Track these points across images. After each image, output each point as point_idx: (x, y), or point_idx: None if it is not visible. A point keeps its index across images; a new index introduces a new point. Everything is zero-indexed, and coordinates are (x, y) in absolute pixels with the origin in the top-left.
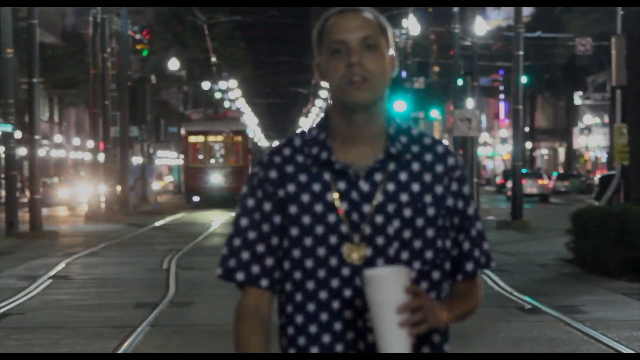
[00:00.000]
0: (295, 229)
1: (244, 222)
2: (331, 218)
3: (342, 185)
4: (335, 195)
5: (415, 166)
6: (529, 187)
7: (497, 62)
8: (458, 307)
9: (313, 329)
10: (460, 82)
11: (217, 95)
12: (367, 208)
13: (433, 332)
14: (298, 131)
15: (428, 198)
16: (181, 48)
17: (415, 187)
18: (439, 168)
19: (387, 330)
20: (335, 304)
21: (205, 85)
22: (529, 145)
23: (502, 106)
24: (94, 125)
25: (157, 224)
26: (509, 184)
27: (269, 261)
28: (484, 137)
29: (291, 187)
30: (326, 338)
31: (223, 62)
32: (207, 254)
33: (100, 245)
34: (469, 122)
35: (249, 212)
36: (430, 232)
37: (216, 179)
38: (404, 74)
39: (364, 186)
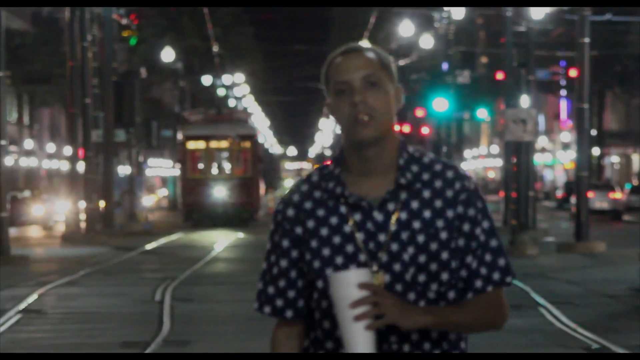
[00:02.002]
0: (317, 262)
1: (272, 257)
2: (349, 248)
3: (357, 216)
4: (352, 226)
5: (426, 193)
6: (597, 202)
7: (558, 52)
8: (446, 313)
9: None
10: (513, 75)
11: (221, 92)
12: (382, 237)
13: (415, 332)
14: (318, 167)
15: (440, 223)
16: (177, 35)
17: (427, 213)
18: (449, 193)
19: (345, 325)
20: None
21: (206, 80)
22: (596, 151)
23: (563, 105)
24: (71, 129)
25: (149, 247)
26: (572, 199)
27: (291, 293)
28: (541, 141)
29: (310, 223)
30: None
31: (227, 53)
32: (208, 283)
33: (79, 273)
34: (523, 124)
35: (274, 248)
36: (444, 255)
37: (220, 192)
38: (445, 66)
39: (378, 216)
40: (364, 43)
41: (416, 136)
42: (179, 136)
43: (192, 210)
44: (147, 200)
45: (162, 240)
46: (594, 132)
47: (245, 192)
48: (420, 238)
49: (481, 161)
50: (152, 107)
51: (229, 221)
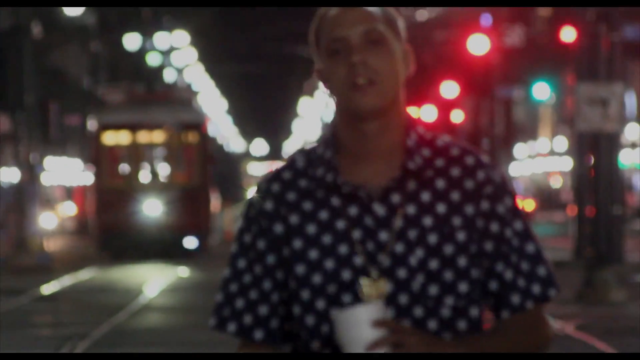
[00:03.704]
0: (301, 267)
1: (240, 263)
2: (342, 249)
3: (353, 210)
4: (347, 222)
5: (440, 183)
6: None
7: None
8: (480, 343)
9: None
10: (588, 34)
11: (153, 59)
12: (384, 235)
13: None
14: (302, 149)
15: (457, 220)
16: None
17: (441, 208)
18: (469, 184)
19: None
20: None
21: (131, 41)
22: None
23: None
24: None
25: (46, 289)
26: None
27: (263, 309)
28: (631, 132)
29: (294, 219)
30: None
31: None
32: (135, 344)
33: None
34: (603, 107)
35: (245, 251)
36: (462, 261)
37: (152, 209)
38: (486, 21)
39: (379, 210)
40: None
41: (444, 124)
42: (92, 124)
43: (110, 235)
44: (44, 220)
45: (65, 280)
46: None
47: (190, 208)
48: (432, 238)
49: (541, 162)
50: (51, 81)
51: (166, 251)
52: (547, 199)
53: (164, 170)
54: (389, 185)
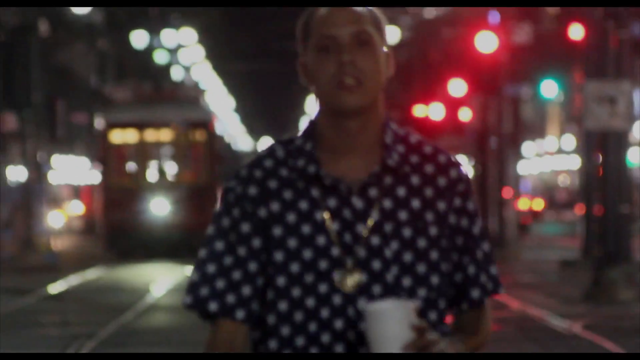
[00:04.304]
0: (280, 254)
1: (218, 245)
2: (320, 240)
3: (332, 202)
4: (326, 214)
5: (415, 180)
6: None
7: None
8: (468, 344)
9: None
10: (597, 32)
11: (160, 57)
12: (361, 228)
13: None
14: (280, 140)
15: (430, 216)
16: None
17: (416, 203)
18: (442, 181)
19: None
20: (325, 337)
21: (139, 39)
22: None
23: None
24: None
25: (53, 289)
26: None
27: (246, 290)
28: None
29: (275, 206)
30: None
31: None
32: (142, 343)
33: None
34: (611, 105)
35: (224, 234)
36: (434, 255)
37: (159, 208)
38: (494, 18)
39: (358, 203)
40: None
41: (452, 122)
42: (99, 123)
43: (117, 234)
44: (52, 219)
45: (72, 280)
46: None
47: (197, 206)
48: (407, 232)
49: (549, 160)
50: (58, 79)
51: (173, 250)
52: (555, 197)
53: (171, 168)
54: (368, 180)
